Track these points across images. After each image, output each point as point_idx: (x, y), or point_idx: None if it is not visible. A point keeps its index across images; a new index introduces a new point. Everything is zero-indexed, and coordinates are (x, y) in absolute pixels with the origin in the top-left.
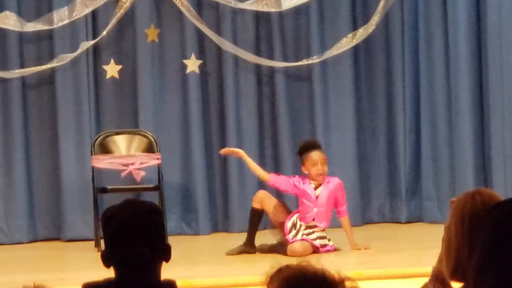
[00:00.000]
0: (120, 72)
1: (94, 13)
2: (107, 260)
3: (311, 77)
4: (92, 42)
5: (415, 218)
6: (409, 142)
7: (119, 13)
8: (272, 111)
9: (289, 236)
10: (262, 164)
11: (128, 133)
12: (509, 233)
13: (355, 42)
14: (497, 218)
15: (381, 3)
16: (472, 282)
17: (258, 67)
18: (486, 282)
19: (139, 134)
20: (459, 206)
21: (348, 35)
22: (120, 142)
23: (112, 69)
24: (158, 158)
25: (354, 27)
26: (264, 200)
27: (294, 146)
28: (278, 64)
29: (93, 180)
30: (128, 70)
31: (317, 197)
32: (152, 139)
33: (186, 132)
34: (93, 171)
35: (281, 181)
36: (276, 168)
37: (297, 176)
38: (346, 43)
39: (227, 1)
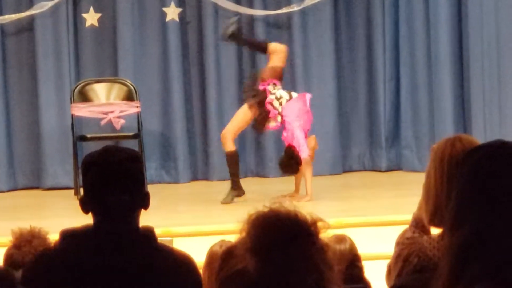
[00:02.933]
0: (99, 20)
1: None
2: (85, 206)
3: (291, 26)
4: None
5: (395, 166)
6: (389, 90)
7: None
8: (252, 60)
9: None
10: None
11: (108, 81)
12: (483, 178)
13: None
14: (471, 163)
15: None
16: (449, 229)
17: (238, 15)
18: (463, 229)
19: (119, 82)
20: (439, 152)
21: None
22: (100, 91)
23: (91, 17)
24: (137, 106)
25: None
26: (230, 134)
27: None
28: (258, 12)
29: (72, 128)
30: (108, 18)
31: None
32: (132, 87)
33: (166, 81)
34: (72, 119)
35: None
36: None
37: None
38: None
39: None
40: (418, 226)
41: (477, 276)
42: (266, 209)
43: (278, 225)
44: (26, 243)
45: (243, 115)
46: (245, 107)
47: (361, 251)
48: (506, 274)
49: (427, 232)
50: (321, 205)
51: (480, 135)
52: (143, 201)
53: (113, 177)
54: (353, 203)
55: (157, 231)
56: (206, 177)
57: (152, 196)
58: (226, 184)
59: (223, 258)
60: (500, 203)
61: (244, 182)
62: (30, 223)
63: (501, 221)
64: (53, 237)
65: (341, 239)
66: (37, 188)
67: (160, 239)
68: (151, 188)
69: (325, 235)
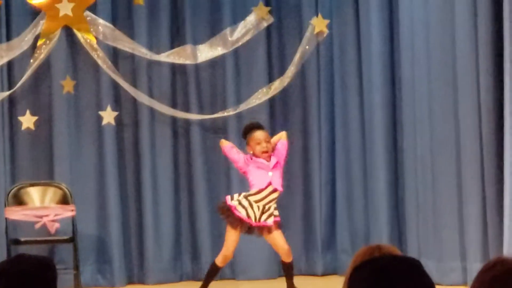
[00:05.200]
0: (36, 123)
1: (10, 64)
2: None
3: (226, 130)
4: (8, 93)
5: (331, 270)
6: (325, 194)
7: (35, 64)
8: (188, 163)
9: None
10: (177, 215)
11: (43, 184)
12: None
13: (271, 94)
14: (361, 278)
15: (297, 55)
16: None
17: (174, 119)
18: None
19: (54, 186)
20: (357, 260)
21: (264, 87)
22: (34, 194)
23: (27, 120)
24: (72, 210)
25: (270, 79)
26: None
27: (210, 200)
28: (194, 116)
29: (6, 232)
30: (44, 121)
31: (269, 164)
32: (67, 191)
33: (102, 184)
34: (6, 223)
35: (234, 151)
36: (191, 223)
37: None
38: (262, 95)
39: (143, 53)
40: None
41: None
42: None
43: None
44: None
45: (230, 235)
46: (228, 229)
47: None
48: None
49: None
50: None
51: (413, 241)
52: None
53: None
54: None
55: None
56: (142, 281)
57: None
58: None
59: None
60: None
61: (180, 286)
62: None
63: None
64: None
65: None
66: None
67: None
68: None
69: None
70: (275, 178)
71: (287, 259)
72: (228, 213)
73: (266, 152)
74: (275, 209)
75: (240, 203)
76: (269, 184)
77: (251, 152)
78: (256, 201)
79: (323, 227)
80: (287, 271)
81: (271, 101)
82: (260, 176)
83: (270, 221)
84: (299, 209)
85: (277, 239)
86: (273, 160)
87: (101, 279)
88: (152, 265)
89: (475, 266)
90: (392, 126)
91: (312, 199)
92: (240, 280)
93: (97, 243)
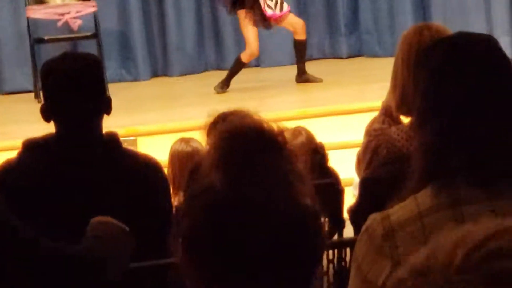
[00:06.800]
0: None
1: None
2: (46, 114)
3: None
4: None
5: (356, 52)
6: None
7: None
8: None
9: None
10: (198, 6)
11: None
12: (449, 71)
13: None
14: (436, 57)
15: None
16: (418, 124)
17: None
18: (432, 123)
19: None
20: (407, 40)
21: None
22: None
23: None
24: (93, 6)
25: None
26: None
27: None
28: None
29: (28, 31)
30: None
31: None
32: None
33: None
34: (28, 22)
35: None
36: (213, 12)
37: None
38: None
39: None
40: (387, 114)
41: (452, 169)
42: (231, 118)
43: (243, 138)
44: None
45: (245, 28)
46: (241, 20)
47: (327, 140)
48: (484, 163)
49: (396, 121)
50: (283, 96)
51: (439, 18)
52: (105, 107)
53: (74, 84)
54: (315, 92)
55: (120, 131)
56: (166, 73)
57: (113, 96)
58: (186, 79)
59: (190, 175)
60: (467, 95)
61: (205, 76)
62: None
63: (472, 111)
64: (15, 144)
65: (296, 133)
66: None
67: (123, 139)
68: (111, 88)
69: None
70: None
71: (302, 36)
72: (248, 13)
73: None
74: None
75: None
76: None
77: None
78: None
79: (346, 9)
80: (300, 51)
81: None
82: None
83: (286, 8)
84: None
85: (289, 18)
86: None
87: (125, 73)
88: (175, 57)
89: (503, 40)
90: None
91: None
92: (264, 67)
93: (120, 38)
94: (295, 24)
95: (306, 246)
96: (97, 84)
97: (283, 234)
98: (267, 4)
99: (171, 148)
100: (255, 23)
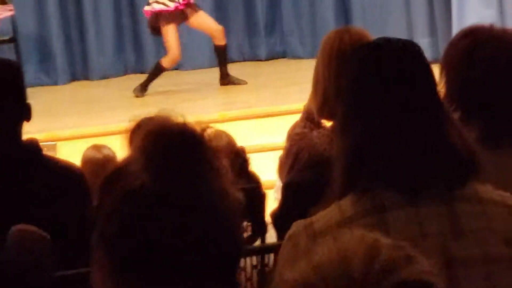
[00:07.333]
0: None
1: None
2: None
3: None
4: None
5: (277, 54)
6: None
7: None
8: None
9: None
10: (117, 10)
11: None
12: (369, 78)
13: None
14: (356, 63)
15: None
16: (339, 130)
17: None
18: (353, 130)
19: None
20: (327, 45)
21: None
22: None
23: None
24: (11, 10)
25: None
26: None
27: None
28: None
29: None
30: None
31: None
32: None
33: None
34: None
35: None
36: (133, 15)
37: None
38: None
39: None
40: (309, 118)
41: (373, 174)
42: (153, 121)
43: (168, 137)
44: None
45: (165, 33)
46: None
47: (248, 143)
48: (405, 168)
49: (317, 125)
50: (204, 98)
51: (358, 17)
52: (25, 113)
53: None
54: (235, 95)
55: (40, 136)
56: (86, 77)
57: (32, 100)
58: (106, 83)
59: (112, 180)
60: (388, 100)
61: (125, 80)
62: None
63: (392, 116)
64: None
65: (217, 137)
66: None
67: (42, 144)
68: (30, 92)
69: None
70: None
71: (222, 41)
72: (155, 19)
73: None
74: None
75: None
76: None
77: None
78: None
79: (265, 9)
80: (221, 56)
81: None
82: None
83: None
84: None
85: (206, 21)
86: None
87: (44, 77)
88: (95, 60)
89: (422, 43)
90: None
91: None
92: (184, 70)
93: (38, 42)
94: (213, 31)
95: (233, 234)
96: (16, 91)
97: (213, 226)
98: None
99: (83, 155)
100: (171, 20)
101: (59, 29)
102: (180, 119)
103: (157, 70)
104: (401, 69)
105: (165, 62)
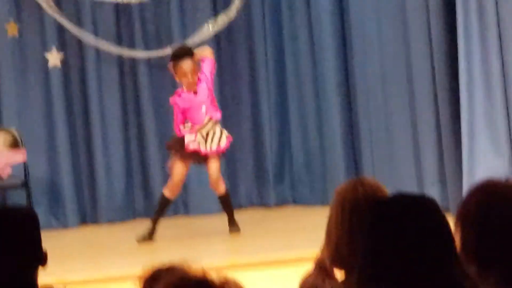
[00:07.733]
0: None
1: None
2: None
3: None
4: None
5: (285, 200)
6: (275, 124)
7: None
8: (136, 102)
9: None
10: (127, 154)
11: None
12: (386, 237)
13: (216, 28)
14: (375, 219)
15: None
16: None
17: (120, 59)
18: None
19: (3, 130)
20: (341, 196)
21: (209, 21)
22: None
23: None
24: (23, 154)
25: (216, 13)
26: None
27: (160, 136)
28: (140, 54)
29: None
30: None
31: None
32: (17, 135)
33: (51, 126)
34: None
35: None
36: (142, 161)
37: (175, 95)
38: (207, 30)
39: None
40: (322, 269)
41: None
42: (172, 272)
43: None
44: None
45: (176, 167)
46: (175, 161)
47: None
48: None
49: (330, 275)
50: (211, 245)
51: (368, 167)
52: (41, 260)
53: (10, 240)
54: (246, 241)
55: (51, 280)
56: (95, 221)
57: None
58: (115, 227)
59: None
60: (404, 258)
61: (133, 224)
62: None
63: (411, 274)
64: None
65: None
66: None
67: None
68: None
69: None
70: (209, 108)
71: (217, 190)
72: (177, 147)
73: (193, 83)
74: (221, 130)
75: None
76: (207, 116)
77: (179, 80)
78: (198, 130)
79: (275, 157)
80: (223, 204)
81: (217, 38)
82: (194, 113)
83: (223, 143)
84: (248, 141)
85: (211, 168)
86: (202, 89)
87: (54, 220)
88: (104, 205)
89: (432, 191)
90: (342, 47)
91: (262, 130)
92: (193, 215)
93: (49, 186)
94: (211, 183)
95: None
96: (33, 239)
97: None
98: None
99: None
100: (183, 158)
101: (69, 174)
102: (199, 270)
103: (162, 202)
104: (417, 228)
105: (166, 190)
